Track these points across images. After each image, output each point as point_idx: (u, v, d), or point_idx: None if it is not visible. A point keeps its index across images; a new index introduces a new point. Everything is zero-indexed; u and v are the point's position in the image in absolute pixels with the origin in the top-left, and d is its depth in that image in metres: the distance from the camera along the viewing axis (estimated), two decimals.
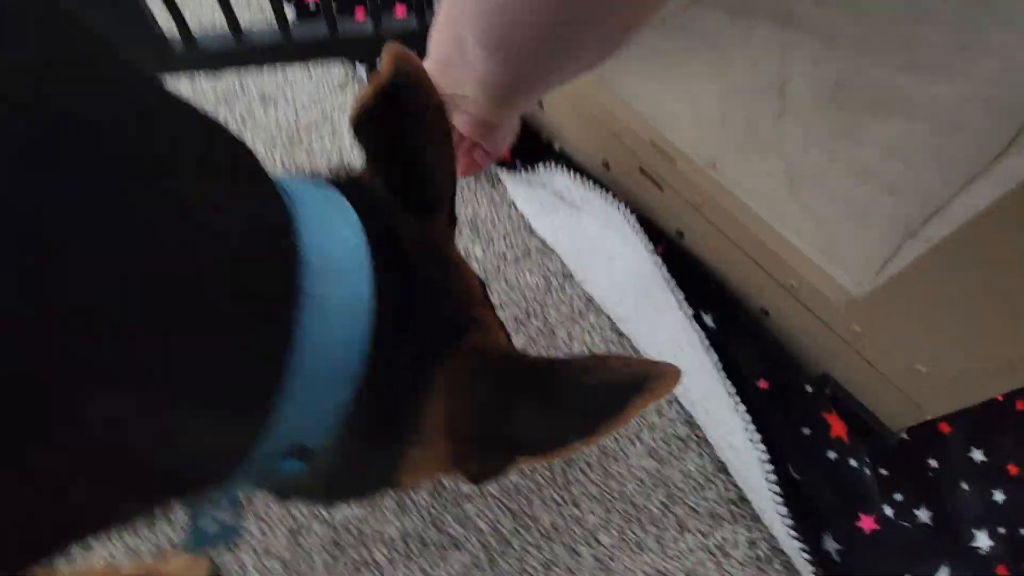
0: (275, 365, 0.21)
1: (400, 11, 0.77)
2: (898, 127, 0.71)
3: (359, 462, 0.27)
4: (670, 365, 0.24)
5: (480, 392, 0.26)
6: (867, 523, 0.48)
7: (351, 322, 0.22)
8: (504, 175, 0.69)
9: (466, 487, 0.53)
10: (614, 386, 0.24)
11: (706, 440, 0.57)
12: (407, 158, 0.29)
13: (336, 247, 0.23)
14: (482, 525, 0.52)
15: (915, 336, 0.46)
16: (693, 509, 0.54)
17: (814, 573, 0.49)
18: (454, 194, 0.33)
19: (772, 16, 0.80)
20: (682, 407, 0.59)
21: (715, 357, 0.56)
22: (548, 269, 0.66)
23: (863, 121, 0.71)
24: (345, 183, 0.27)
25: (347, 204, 0.25)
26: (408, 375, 0.25)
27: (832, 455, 0.50)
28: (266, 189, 0.22)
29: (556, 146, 0.71)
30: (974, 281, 0.41)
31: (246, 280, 0.19)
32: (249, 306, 0.20)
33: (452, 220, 0.33)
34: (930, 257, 0.44)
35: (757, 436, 0.53)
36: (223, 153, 0.22)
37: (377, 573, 0.49)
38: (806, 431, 0.51)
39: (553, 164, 0.66)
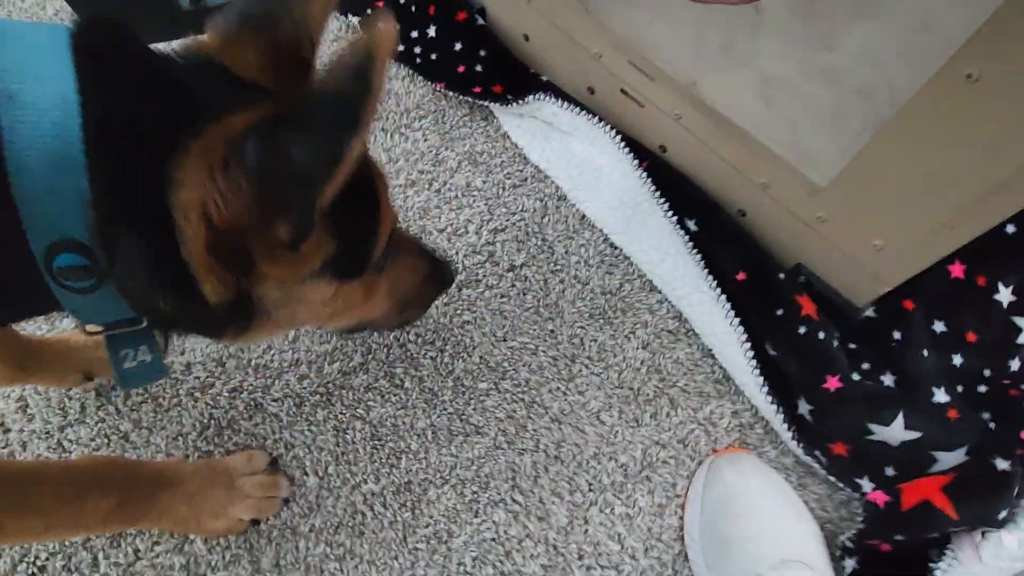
0: None
1: None
2: (868, 30, 0.74)
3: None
4: (379, 23, 0.24)
5: (251, 150, 0.25)
6: (832, 383, 0.55)
7: (56, 115, 0.26)
8: (496, 109, 0.74)
9: (484, 383, 0.61)
10: (348, 77, 0.24)
11: (693, 331, 0.64)
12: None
13: (32, 60, 0.26)
14: (500, 415, 0.60)
15: (870, 214, 0.52)
16: (683, 390, 0.62)
17: (789, 431, 0.57)
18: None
19: None
20: (671, 304, 0.65)
21: (698, 257, 0.62)
22: (544, 192, 0.71)
23: (835, 28, 0.75)
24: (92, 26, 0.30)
25: (63, 33, 0.28)
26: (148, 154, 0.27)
27: (803, 330, 0.57)
28: None
29: (543, 77, 0.75)
30: (916, 158, 0.46)
31: None
32: None
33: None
34: (878, 142, 0.49)
35: (736, 321, 0.59)
36: None
37: (414, 457, 0.58)
38: (779, 312, 0.58)
39: (541, 94, 0.71)
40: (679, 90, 0.63)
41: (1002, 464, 0.51)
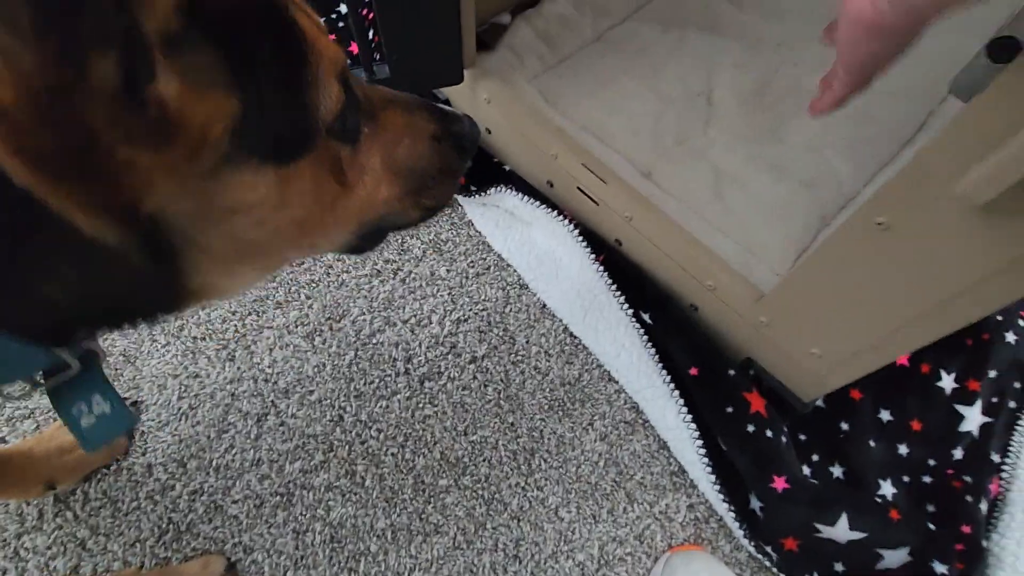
0: None
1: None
2: (814, 124, 0.78)
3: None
4: None
5: None
6: (779, 483, 0.57)
7: None
8: (461, 199, 0.77)
9: (444, 480, 0.62)
10: None
11: (650, 423, 0.65)
12: None
13: None
14: (459, 512, 0.61)
15: (806, 326, 0.54)
16: (640, 483, 0.63)
17: (741, 528, 0.58)
18: None
19: (700, 25, 0.87)
20: (628, 395, 0.67)
21: (652, 351, 0.64)
22: (506, 281, 0.73)
23: (782, 121, 0.79)
24: None
25: None
26: None
27: (751, 428, 0.59)
28: None
29: (506, 166, 0.78)
30: (840, 288, 0.49)
31: None
32: None
33: None
34: (816, 259, 0.52)
35: (688, 417, 0.61)
36: None
37: (373, 560, 0.58)
38: (729, 409, 0.60)
39: (503, 187, 0.73)
40: (630, 193, 0.65)
41: (940, 568, 0.52)
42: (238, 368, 0.66)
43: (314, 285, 0.72)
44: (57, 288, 0.23)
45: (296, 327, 0.69)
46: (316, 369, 0.67)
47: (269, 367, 0.67)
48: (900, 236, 0.40)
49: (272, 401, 0.65)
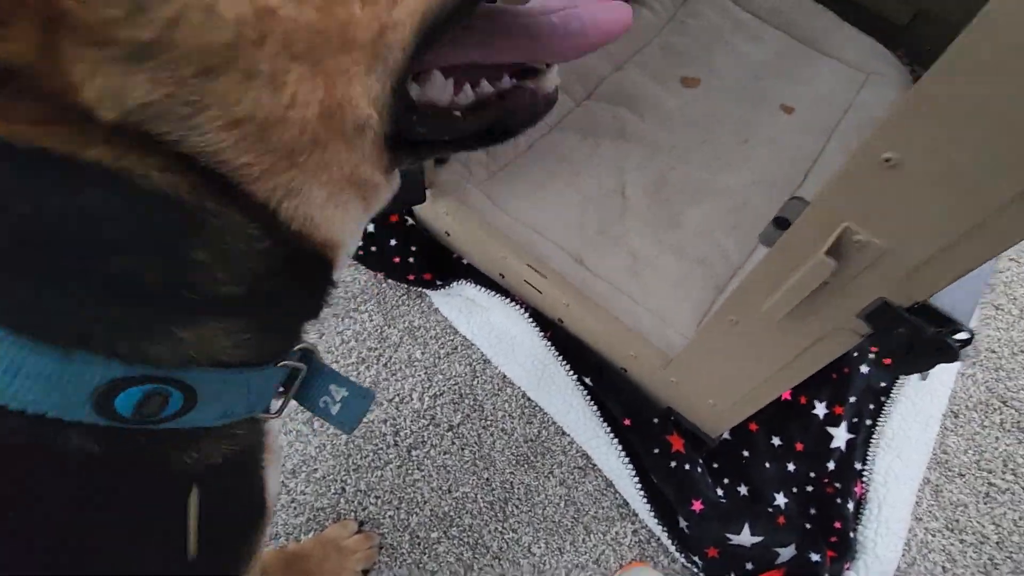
0: None
1: None
2: (703, 211, 0.99)
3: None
4: None
5: None
6: (697, 506, 0.73)
7: None
8: (428, 291, 0.92)
9: (435, 533, 0.75)
10: None
11: (598, 466, 0.81)
12: None
13: None
14: (450, 559, 0.74)
15: (702, 382, 0.72)
16: (594, 517, 0.78)
17: (673, 544, 0.74)
18: None
19: (611, 134, 1.08)
20: (579, 445, 0.83)
21: (594, 407, 0.81)
22: (472, 358, 0.89)
23: (679, 210, 1.00)
24: None
25: None
26: None
27: (673, 464, 0.76)
28: None
29: (464, 260, 0.94)
30: (720, 355, 0.67)
31: None
32: None
33: None
34: (698, 340, 0.70)
35: (626, 459, 0.77)
36: None
37: None
38: (656, 450, 0.77)
39: (463, 280, 0.89)
40: (566, 285, 0.83)
41: (814, 556, 0.70)
42: None
43: None
44: (232, 285, 0.24)
45: (296, 414, 0.81)
46: (318, 450, 0.79)
47: None
48: (743, 330, 0.59)
49: (282, 482, 0.76)
